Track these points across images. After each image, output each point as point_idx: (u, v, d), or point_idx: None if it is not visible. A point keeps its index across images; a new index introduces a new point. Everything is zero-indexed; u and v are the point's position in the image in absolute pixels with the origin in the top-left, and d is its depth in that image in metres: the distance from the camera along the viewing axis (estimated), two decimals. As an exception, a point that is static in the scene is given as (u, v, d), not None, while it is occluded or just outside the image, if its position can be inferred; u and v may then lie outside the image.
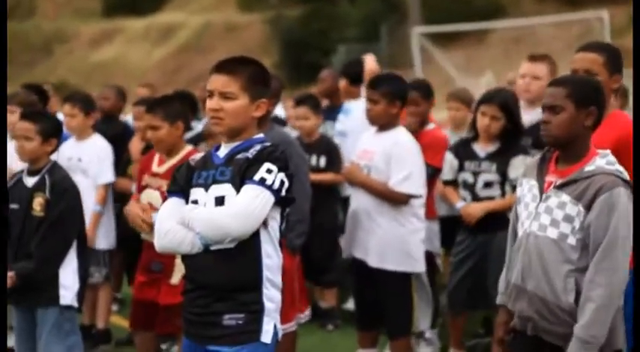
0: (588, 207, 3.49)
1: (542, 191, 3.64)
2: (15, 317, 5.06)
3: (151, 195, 5.15)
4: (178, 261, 4.89)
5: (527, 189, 3.72)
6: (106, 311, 6.51)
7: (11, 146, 5.92)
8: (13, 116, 6.31)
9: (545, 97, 3.67)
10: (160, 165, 5.19)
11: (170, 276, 5.04)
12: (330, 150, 6.87)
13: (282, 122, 7.84)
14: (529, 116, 5.66)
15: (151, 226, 4.93)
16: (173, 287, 4.99)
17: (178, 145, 5.18)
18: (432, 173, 5.82)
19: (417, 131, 5.94)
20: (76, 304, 4.90)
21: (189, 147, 5.26)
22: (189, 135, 6.30)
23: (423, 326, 5.83)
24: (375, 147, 5.38)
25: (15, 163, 5.66)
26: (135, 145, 6.78)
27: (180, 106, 5.25)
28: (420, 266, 5.39)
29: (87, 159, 6.35)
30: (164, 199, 4.89)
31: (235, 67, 3.43)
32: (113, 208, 6.49)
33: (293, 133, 6.88)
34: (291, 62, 29.33)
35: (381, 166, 5.31)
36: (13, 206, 4.90)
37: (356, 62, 7.43)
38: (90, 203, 6.10)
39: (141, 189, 5.24)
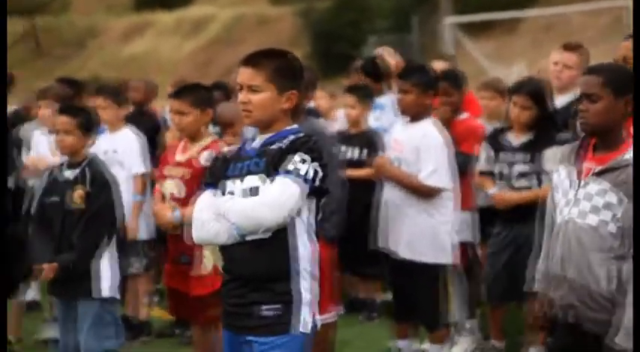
0: (630, 195, 3.46)
1: (579, 177, 3.61)
2: (58, 308, 5.15)
3: (172, 185, 5.17)
4: (206, 253, 4.95)
5: (564, 175, 3.68)
6: (145, 302, 6.57)
7: (47, 140, 6.05)
8: (48, 110, 6.42)
9: (581, 85, 3.65)
10: (182, 154, 5.21)
11: (200, 267, 5.05)
12: (371, 144, 6.79)
13: (316, 114, 7.85)
14: (557, 101, 5.67)
15: (178, 226, 5.00)
16: (202, 278, 5.02)
17: (203, 133, 5.19)
18: (468, 162, 5.82)
19: (449, 121, 5.96)
20: (116, 295, 4.97)
21: (213, 137, 5.27)
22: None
23: (460, 317, 5.84)
24: (405, 139, 5.40)
25: (53, 156, 5.77)
26: (171, 137, 6.83)
27: (208, 94, 5.27)
28: (450, 258, 5.38)
29: (121, 150, 6.41)
30: (187, 188, 4.99)
31: (260, 60, 3.46)
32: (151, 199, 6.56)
33: (328, 125, 6.87)
34: (321, 54, 29.31)
35: (410, 158, 5.33)
36: (54, 199, 4.98)
37: (372, 59, 7.41)
38: (128, 194, 6.14)
39: (163, 178, 5.25)
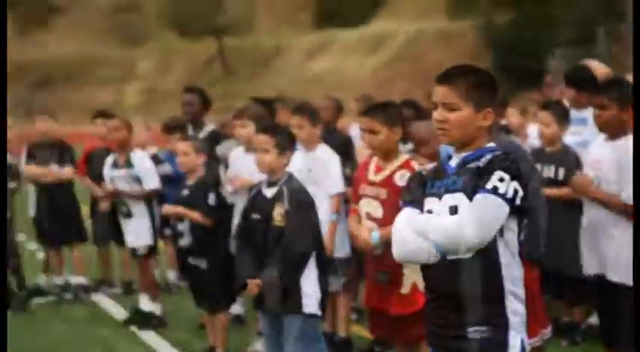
0: None
1: None
2: (262, 323, 5.30)
3: (369, 205, 5.16)
4: (407, 271, 4.92)
5: None
6: (345, 319, 6.62)
7: (248, 159, 6.28)
8: (245, 129, 6.67)
9: None
10: (377, 173, 5.19)
11: (400, 286, 5.01)
12: (567, 162, 6.48)
13: (507, 131, 7.69)
14: None
15: (376, 246, 5.01)
16: (404, 296, 4.99)
17: (395, 151, 5.17)
18: None
19: None
20: (319, 312, 5.05)
21: (405, 156, 5.24)
22: None
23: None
24: (605, 157, 5.22)
25: (253, 175, 5.98)
26: (362, 154, 6.89)
27: (398, 112, 5.24)
28: None
29: (316, 169, 6.46)
30: (384, 207, 5.00)
31: (455, 77, 3.42)
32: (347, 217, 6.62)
33: (521, 142, 6.70)
34: (505, 68, 28.91)
35: (611, 177, 5.11)
36: (256, 216, 5.14)
37: (580, 68, 7.11)
38: (323, 213, 6.12)
39: (358, 198, 5.27)
